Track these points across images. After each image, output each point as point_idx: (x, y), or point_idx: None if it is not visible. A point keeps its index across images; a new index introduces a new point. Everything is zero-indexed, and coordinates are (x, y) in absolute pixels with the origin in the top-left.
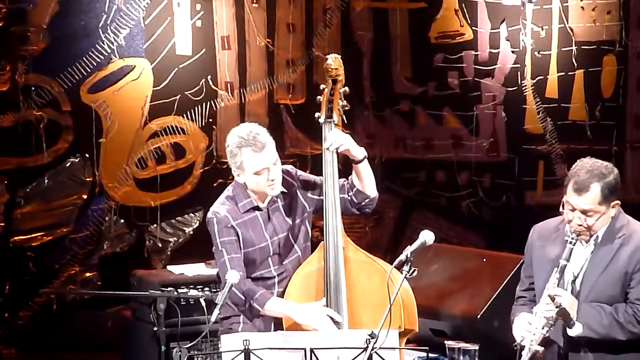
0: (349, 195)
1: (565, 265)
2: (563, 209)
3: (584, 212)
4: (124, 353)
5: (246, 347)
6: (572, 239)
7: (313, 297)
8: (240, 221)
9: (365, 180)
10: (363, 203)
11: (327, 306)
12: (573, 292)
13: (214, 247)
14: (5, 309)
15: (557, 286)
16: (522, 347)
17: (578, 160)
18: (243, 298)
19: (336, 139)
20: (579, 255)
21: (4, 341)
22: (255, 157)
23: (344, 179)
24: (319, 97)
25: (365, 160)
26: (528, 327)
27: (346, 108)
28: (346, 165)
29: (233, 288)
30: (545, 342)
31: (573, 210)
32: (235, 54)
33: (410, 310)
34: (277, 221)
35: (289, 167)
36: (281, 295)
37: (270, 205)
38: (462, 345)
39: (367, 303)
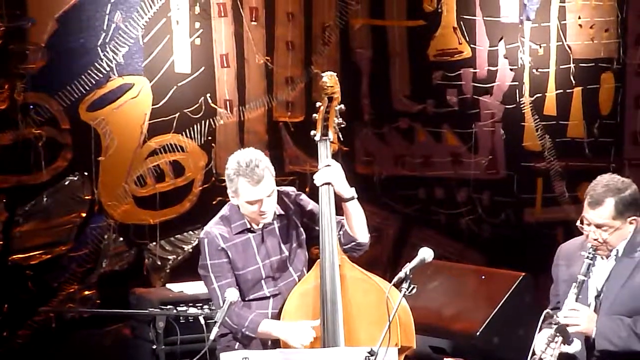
0: (338, 233)
1: (583, 281)
2: (582, 224)
3: (598, 226)
4: None
5: None
6: (590, 253)
7: (310, 315)
8: (231, 243)
9: (354, 222)
10: (349, 246)
11: (324, 324)
12: (596, 307)
13: (200, 265)
14: (4, 328)
15: (577, 301)
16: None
17: (598, 176)
18: (236, 327)
19: (324, 176)
20: (601, 269)
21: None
22: (249, 189)
23: (342, 217)
24: (314, 114)
25: (355, 201)
26: (543, 342)
27: (342, 126)
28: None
29: (226, 318)
30: (567, 358)
31: (589, 225)
32: (234, 71)
33: (407, 327)
34: (271, 244)
35: (290, 189)
36: (277, 314)
37: (265, 227)
38: None
39: (364, 320)
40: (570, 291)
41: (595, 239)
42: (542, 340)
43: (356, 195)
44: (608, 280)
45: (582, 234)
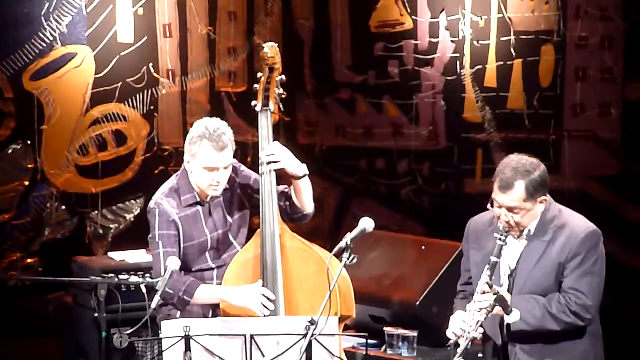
0: (284, 204)
1: (496, 262)
2: (492, 206)
3: (510, 209)
4: (65, 339)
5: (187, 334)
6: (502, 235)
7: (250, 283)
8: (182, 215)
9: (304, 196)
10: (296, 216)
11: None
12: (509, 286)
13: (150, 236)
14: None
15: (490, 282)
16: (457, 345)
17: (505, 158)
18: (172, 292)
19: (274, 155)
20: (514, 249)
21: None
22: (212, 154)
23: (285, 186)
24: (255, 85)
25: (307, 178)
26: (462, 325)
27: (283, 96)
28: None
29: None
30: (483, 337)
31: (500, 207)
32: (176, 41)
33: (347, 297)
34: (218, 217)
35: (233, 161)
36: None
37: (212, 200)
38: (401, 331)
39: (304, 290)
40: (483, 273)
41: (507, 222)
42: (462, 322)
43: (308, 172)
44: (521, 260)
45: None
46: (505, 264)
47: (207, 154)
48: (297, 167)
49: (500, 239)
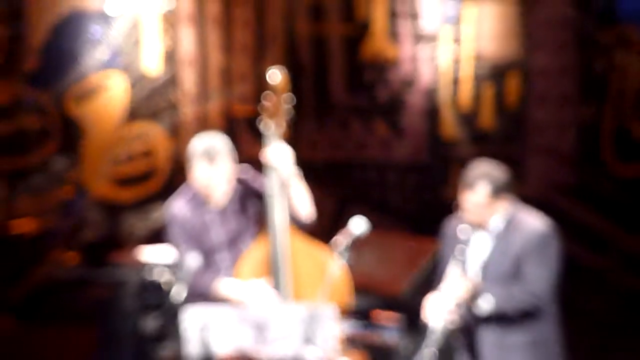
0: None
1: (463, 258)
2: (459, 206)
3: (473, 207)
4: (104, 326)
5: (205, 319)
6: (467, 231)
7: (260, 277)
8: (195, 218)
9: (297, 201)
10: (293, 222)
11: (273, 284)
12: (479, 276)
13: (169, 237)
14: (7, 285)
15: (460, 272)
16: (434, 329)
17: (472, 163)
18: (192, 287)
19: (275, 154)
20: (483, 242)
21: (4, 313)
22: (202, 168)
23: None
24: (263, 104)
25: (297, 180)
26: (433, 308)
27: (288, 117)
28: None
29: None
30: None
31: (465, 205)
32: (197, 70)
33: (345, 288)
34: (228, 219)
35: (244, 168)
36: None
37: (222, 203)
38: (390, 318)
39: (309, 283)
40: (452, 263)
41: (472, 219)
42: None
43: (293, 174)
44: (488, 252)
45: None
46: (475, 256)
47: (200, 169)
48: (286, 167)
49: (466, 233)
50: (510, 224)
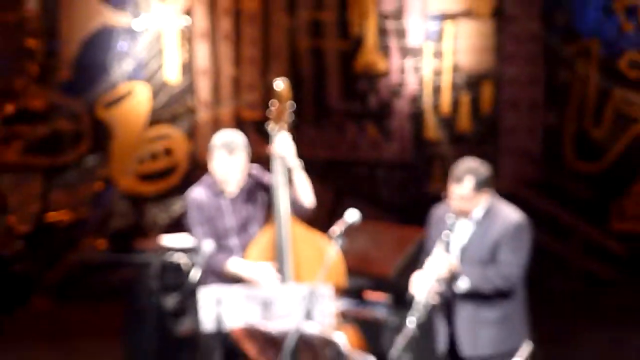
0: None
1: (448, 240)
2: (447, 197)
3: (461, 198)
4: (129, 303)
5: (218, 298)
6: (452, 218)
7: (267, 260)
8: (210, 203)
9: (299, 188)
10: (296, 209)
11: (278, 267)
12: (460, 258)
13: (187, 221)
14: (44, 268)
15: (443, 255)
16: (418, 301)
17: (460, 159)
18: (208, 267)
19: (282, 146)
20: (464, 229)
21: (43, 293)
22: (222, 158)
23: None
24: (270, 111)
25: (300, 170)
26: (419, 283)
27: (291, 120)
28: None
29: (207, 256)
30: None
31: (452, 196)
32: (211, 80)
33: (340, 270)
34: (239, 206)
35: (253, 166)
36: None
37: (234, 193)
38: (379, 297)
39: (309, 265)
40: (437, 246)
41: (458, 208)
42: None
43: (297, 165)
44: (469, 238)
45: None
46: (457, 241)
47: (219, 158)
48: (292, 159)
49: (451, 220)
50: (489, 214)
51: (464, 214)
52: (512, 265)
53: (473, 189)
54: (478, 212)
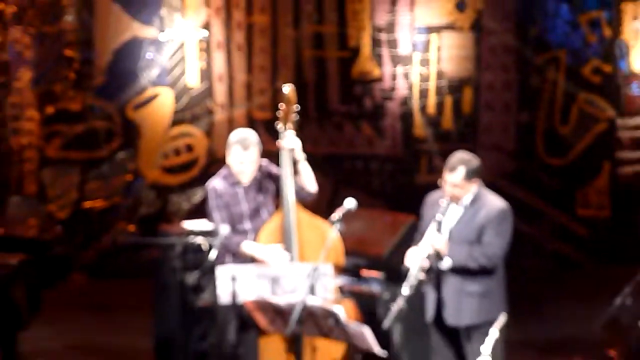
0: (295, 187)
1: (440, 221)
2: (442, 183)
3: (452, 185)
4: (156, 280)
5: (233, 275)
6: (445, 202)
7: (275, 243)
8: (227, 192)
9: (304, 177)
10: (302, 196)
11: (285, 248)
12: (449, 237)
13: (208, 208)
14: (81, 249)
15: (435, 233)
16: (412, 273)
17: (455, 152)
18: (224, 247)
19: (289, 142)
20: (454, 213)
21: (80, 271)
22: (238, 153)
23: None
24: (278, 112)
25: (305, 162)
26: (413, 257)
27: (296, 120)
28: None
29: (223, 238)
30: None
31: (446, 183)
32: (226, 84)
33: (339, 251)
34: (252, 195)
35: (263, 161)
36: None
37: (248, 183)
38: (373, 274)
39: (312, 247)
40: (430, 226)
41: (451, 193)
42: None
43: (305, 157)
44: (458, 220)
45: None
46: (448, 223)
47: (234, 152)
48: (300, 152)
49: (443, 205)
50: (477, 201)
51: (456, 199)
52: (495, 246)
53: (464, 177)
54: (467, 199)
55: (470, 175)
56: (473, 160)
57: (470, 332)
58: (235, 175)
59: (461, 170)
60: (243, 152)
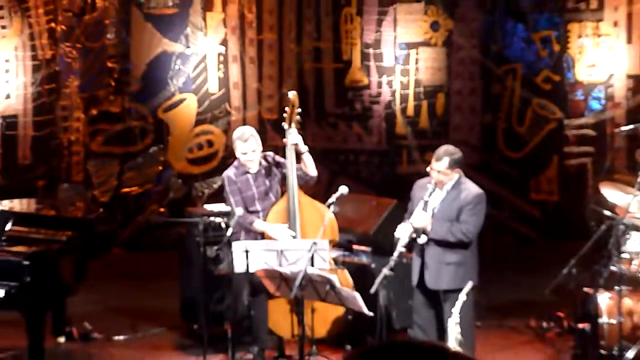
0: (298, 172)
1: (427, 201)
2: (429, 170)
3: (438, 172)
4: (182, 252)
5: (246, 249)
6: (431, 186)
7: (281, 223)
8: (239, 179)
9: (308, 165)
10: (306, 179)
11: (289, 227)
12: (433, 215)
13: (224, 193)
14: (119, 228)
15: (422, 212)
16: (400, 245)
17: (442, 145)
18: (239, 225)
19: (293, 138)
20: (438, 195)
21: (119, 245)
22: (240, 146)
23: (298, 165)
24: (284, 114)
25: (307, 153)
26: (403, 230)
27: (299, 120)
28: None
29: (238, 218)
30: (412, 243)
31: (432, 170)
32: (240, 91)
33: (334, 229)
34: (260, 181)
35: (269, 152)
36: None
37: (256, 171)
38: (363, 248)
39: (312, 226)
40: (418, 205)
41: (437, 179)
42: (402, 233)
43: (308, 150)
44: (441, 202)
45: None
46: (432, 203)
47: (238, 145)
48: (303, 146)
49: (431, 187)
50: (457, 186)
51: (440, 184)
52: (471, 224)
53: (448, 166)
54: (450, 184)
55: (453, 164)
56: (457, 152)
57: (447, 295)
58: (244, 165)
59: (446, 160)
60: (243, 144)
